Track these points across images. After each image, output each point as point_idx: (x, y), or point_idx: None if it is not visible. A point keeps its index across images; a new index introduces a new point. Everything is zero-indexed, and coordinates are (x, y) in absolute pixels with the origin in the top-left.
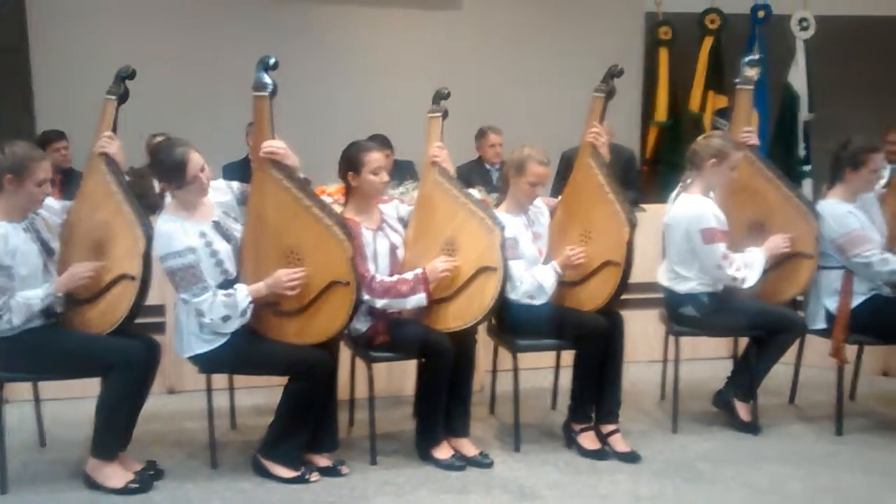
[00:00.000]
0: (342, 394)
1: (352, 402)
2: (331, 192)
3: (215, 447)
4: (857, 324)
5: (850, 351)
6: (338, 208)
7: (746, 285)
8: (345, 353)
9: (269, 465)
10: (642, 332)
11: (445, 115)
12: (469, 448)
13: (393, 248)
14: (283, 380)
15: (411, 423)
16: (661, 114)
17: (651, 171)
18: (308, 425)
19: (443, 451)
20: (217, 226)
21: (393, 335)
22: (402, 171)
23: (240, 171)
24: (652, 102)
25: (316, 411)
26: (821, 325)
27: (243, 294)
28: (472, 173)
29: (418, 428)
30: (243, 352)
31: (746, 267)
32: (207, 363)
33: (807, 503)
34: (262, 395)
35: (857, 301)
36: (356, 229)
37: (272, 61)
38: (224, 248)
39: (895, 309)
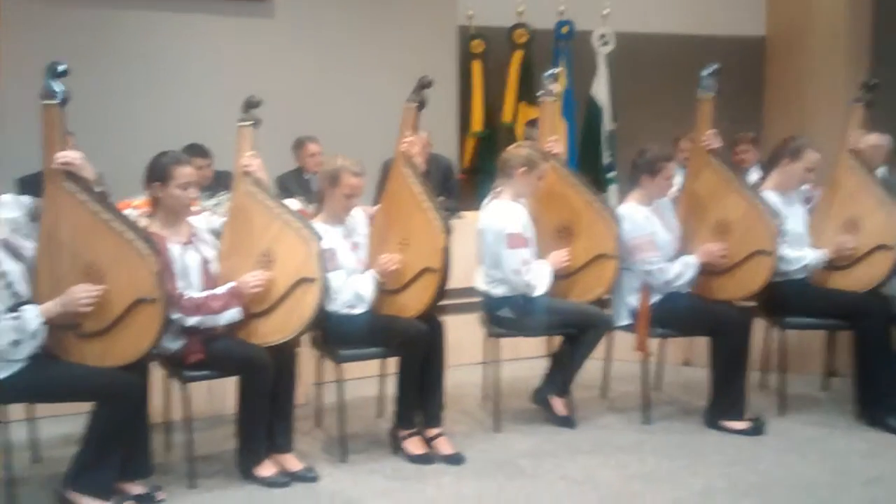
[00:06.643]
0: (157, 416)
1: (167, 425)
2: (137, 204)
3: (13, 484)
4: (657, 319)
5: (654, 344)
6: (145, 222)
7: (536, 293)
8: (159, 373)
9: (76, 497)
10: (465, 335)
11: (257, 123)
12: (293, 463)
13: (205, 263)
14: (92, 405)
15: (233, 443)
16: (477, 124)
17: (469, 179)
18: (117, 452)
19: (266, 469)
20: (6, 244)
21: (208, 352)
22: (222, 182)
23: (37, 184)
24: (468, 113)
25: (126, 436)
26: (625, 321)
27: (33, 314)
28: (291, 183)
29: (239, 447)
30: (42, 378)
31: (540, 276)
32: (1, 393)
33: (617, 490)
34: (69, 423)
35: (656, 297)
36: (162, 244)
37: (61, 68)
38: (14, 269)
39: (691, 304)
